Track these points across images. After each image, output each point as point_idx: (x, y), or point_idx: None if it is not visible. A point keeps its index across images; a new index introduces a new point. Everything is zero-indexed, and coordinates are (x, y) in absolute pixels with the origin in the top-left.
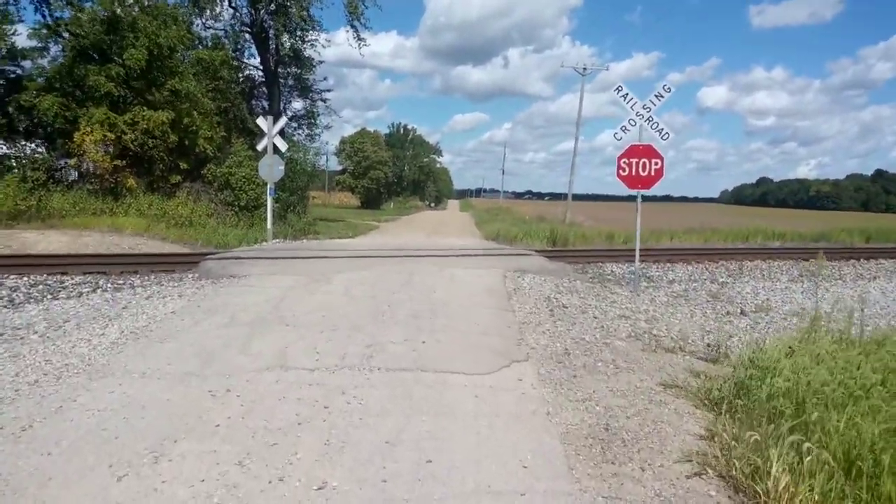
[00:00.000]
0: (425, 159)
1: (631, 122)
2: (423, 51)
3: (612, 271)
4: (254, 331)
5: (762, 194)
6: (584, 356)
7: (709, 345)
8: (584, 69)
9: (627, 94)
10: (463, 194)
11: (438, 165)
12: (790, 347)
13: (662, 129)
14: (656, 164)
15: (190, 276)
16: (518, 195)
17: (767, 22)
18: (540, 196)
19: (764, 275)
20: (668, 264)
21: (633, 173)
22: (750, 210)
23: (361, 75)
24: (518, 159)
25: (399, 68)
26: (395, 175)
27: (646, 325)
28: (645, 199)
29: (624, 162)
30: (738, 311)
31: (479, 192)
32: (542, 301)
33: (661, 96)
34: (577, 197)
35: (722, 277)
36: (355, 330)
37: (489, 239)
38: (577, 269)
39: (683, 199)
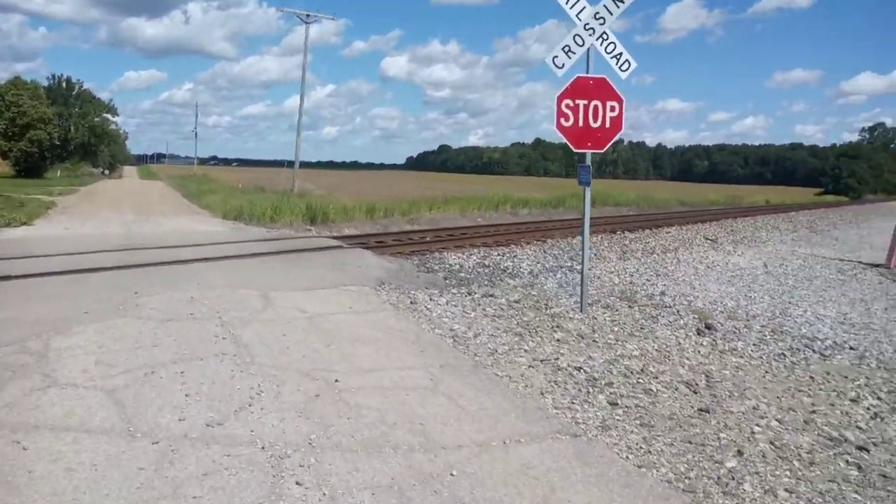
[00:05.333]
0: (96, 119)
1: (577, 39)
2: None
3: (459, 265)
4: None
5: (443, 161)
6: None
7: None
8: (308, 15)
9: None
10: (140, 160)
11: (113, 127)
12: None
13: (621, 55)
14: (613, 109)
15: None
16: (203, 161)
17: None
18: (227, 162)
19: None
20: (505, 248)
21: (581, 124)
22: (436, 175)
23: (7, 21)
24: (201, 122)
25: (56, 14)
26: (59, 137)
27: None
28: (333, 164)
29: (566, 105)
30: (703, 325)
31: (159, 158)
32: (554, 374)
33: (621, 1)
34: (282, 164)
35: (566, 262)
36: None
37: (232, 219)
38: (416, 265)
39: (371, 165)
